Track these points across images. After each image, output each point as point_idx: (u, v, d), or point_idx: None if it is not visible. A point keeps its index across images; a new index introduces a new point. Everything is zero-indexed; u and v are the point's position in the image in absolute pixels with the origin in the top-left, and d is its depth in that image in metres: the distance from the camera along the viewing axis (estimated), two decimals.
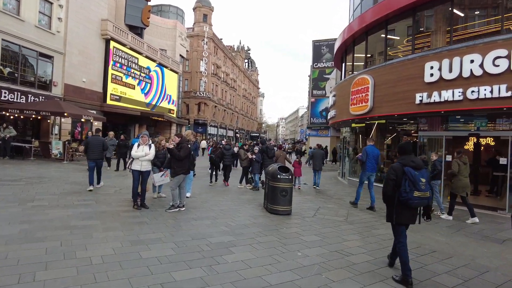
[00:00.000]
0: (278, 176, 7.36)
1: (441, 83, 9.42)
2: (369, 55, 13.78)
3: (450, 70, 9.19)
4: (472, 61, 8.76)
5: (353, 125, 15.69)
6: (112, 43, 24.31)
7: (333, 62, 36.24)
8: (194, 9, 46.84)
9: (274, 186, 7.40)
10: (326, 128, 36.90)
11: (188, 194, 8.65)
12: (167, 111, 32.41)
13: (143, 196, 7.31)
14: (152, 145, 7.31)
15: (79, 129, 21.59)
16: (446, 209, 8.45)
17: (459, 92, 8.94)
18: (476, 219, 7.76)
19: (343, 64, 17.04)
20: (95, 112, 22.37)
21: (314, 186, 12.78)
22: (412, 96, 10.16)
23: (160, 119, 29.86)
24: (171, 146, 7.02)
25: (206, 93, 45.36)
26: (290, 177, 7.44)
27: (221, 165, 12.54)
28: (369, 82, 11.97)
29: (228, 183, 11.90)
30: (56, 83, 19.56)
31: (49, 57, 19.02)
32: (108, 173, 12.69)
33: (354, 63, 14.99)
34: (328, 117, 17.56)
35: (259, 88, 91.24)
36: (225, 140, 29.44)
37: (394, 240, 4.39)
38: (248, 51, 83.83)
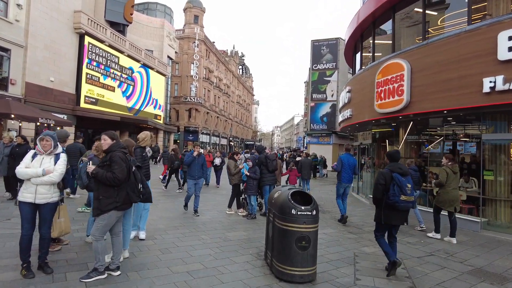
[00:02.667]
0: (293, 212, 3.91)
1: None
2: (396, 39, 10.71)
3: None
4: None
5: (374, 130, 12.45)
6: (87, 39, 21.20)
7: (334, 64, 33.53)
8: (184, 9, 43.95)
9: (284, 229, 3.99)
10: (327, 135, 33.86)
11: (142, 235, 5.36)
12: (153, 117, 29.20)
13: (45, 250, 3.94)
14: (62, 156, 3.97)
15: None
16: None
17: None
18: (438, 235, 6.84)
19: (357, 55, 13.97)
20: (65, 116, 19.09)
21: None
22: (476, 82, 7.00)
23: (144, 125, 26.53)
24: (92, 169, 3.73)
25: (197, 99, 42.07)
26: (314, 212, 4.05)
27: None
28: (403, 68, 8.85)
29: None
30: (14, 81, 16.29)
31: (5, 50, 15.77)
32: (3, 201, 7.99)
33: (375, 54, 11.87)
34: (340, 119, 14.35)
35: (253, 95, 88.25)
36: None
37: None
38: (242, 57, 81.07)
